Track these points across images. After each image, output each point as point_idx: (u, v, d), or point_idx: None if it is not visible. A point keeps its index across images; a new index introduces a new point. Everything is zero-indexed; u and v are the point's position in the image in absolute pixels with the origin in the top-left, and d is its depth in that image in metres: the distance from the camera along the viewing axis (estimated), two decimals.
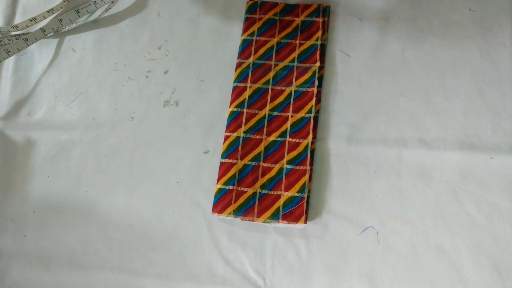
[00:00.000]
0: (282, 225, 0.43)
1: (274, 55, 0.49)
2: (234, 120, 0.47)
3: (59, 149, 0.51)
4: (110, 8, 0.55)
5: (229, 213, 0.44)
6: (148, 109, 0.51)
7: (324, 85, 0.48)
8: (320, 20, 0.49)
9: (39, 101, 0.53)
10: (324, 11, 0.50)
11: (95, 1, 0.55)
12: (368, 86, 0.47)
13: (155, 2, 0.55)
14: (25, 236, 0.48)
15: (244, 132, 0.46)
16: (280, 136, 0.46)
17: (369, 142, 0.45)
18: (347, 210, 0.43)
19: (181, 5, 0.54)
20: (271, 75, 0.48)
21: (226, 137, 0.47)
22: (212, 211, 0.44)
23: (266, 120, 0.47)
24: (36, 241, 0.48)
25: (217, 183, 0.45)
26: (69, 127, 0.51)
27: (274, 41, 0.49)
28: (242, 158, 0.45)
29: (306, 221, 0.43)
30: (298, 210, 0.43)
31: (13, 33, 0.56)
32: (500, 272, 0.40)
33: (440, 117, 0.45)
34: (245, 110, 0.47)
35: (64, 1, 0.56)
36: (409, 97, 0.46)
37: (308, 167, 0.44)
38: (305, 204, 0.43)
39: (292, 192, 0.44)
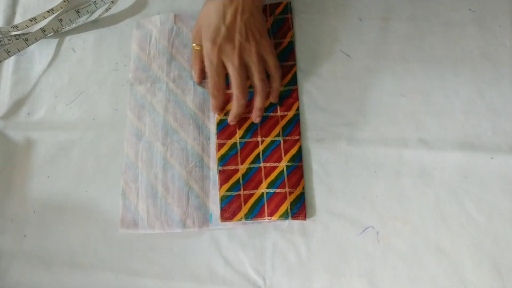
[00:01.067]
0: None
1: None
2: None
3: (59, 149, 0.51)
4: (110, 8, 0.55)
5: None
6: None
7: (325, 85, 0.48)
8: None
9: (39, 101, 0.53)
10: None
11: (95, 1, 0.55)
12: (368, 86, 0.47)
13: (155, 2, 0.55)
14: (25, 236, 0.48)
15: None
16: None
17: (369, 142, 0.45)
18: (347, 210, 0.43)
19: (181, 5, 0.54)
20: None
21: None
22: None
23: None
24: (36, 241, 0.48)
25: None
26: (69, 127, 0.51)
27: None
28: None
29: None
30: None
31: (13, 33, 0.56)
32: (500, 272, 0.40)
33: (440, 117, 0.45)
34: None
35: (64, 1, 0.56)
36: (409, 97, 0.46)
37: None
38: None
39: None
